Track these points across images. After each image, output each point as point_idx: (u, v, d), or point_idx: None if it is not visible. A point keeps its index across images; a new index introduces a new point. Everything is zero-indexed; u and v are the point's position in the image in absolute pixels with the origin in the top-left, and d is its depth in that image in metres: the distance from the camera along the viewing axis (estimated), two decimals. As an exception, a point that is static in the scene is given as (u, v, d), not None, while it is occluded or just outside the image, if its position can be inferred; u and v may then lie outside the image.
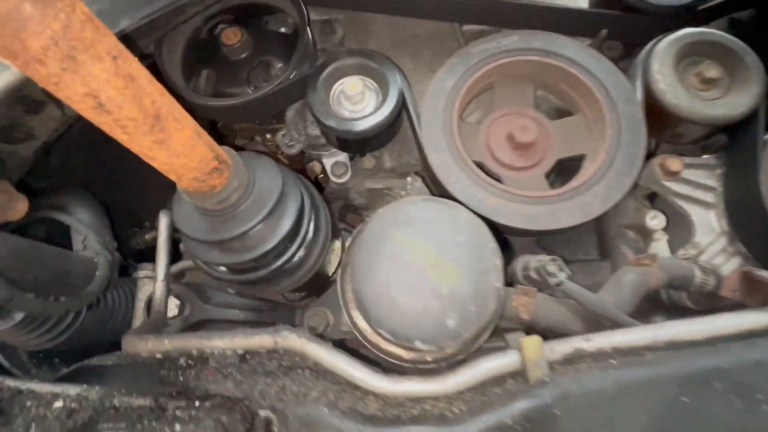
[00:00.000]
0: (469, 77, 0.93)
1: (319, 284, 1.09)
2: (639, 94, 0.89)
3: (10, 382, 0.87)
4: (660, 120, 0.92)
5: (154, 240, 1.45)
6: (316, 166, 1.34)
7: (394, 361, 0.73)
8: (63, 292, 0.81)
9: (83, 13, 0.40)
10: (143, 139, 0.52)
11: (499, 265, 0.53)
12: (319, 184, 1.28)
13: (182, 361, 0.85)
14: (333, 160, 1.10)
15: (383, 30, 1.17)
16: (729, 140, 0.93)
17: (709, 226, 0.94)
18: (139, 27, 0.75)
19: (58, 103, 0.90)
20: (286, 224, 0.80)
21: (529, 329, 0.78)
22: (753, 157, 0.84)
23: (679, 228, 0.97)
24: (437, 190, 0.89)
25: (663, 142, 1.01)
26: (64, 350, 1.15)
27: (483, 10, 1.00)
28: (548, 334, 0.70)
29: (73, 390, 0.87)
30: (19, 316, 0.93)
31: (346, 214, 1.33)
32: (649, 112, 0.91)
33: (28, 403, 0.86)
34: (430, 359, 0.72)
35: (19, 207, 0.51)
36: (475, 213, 0.83)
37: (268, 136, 1.31)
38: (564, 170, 1.02)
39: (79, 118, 1.00)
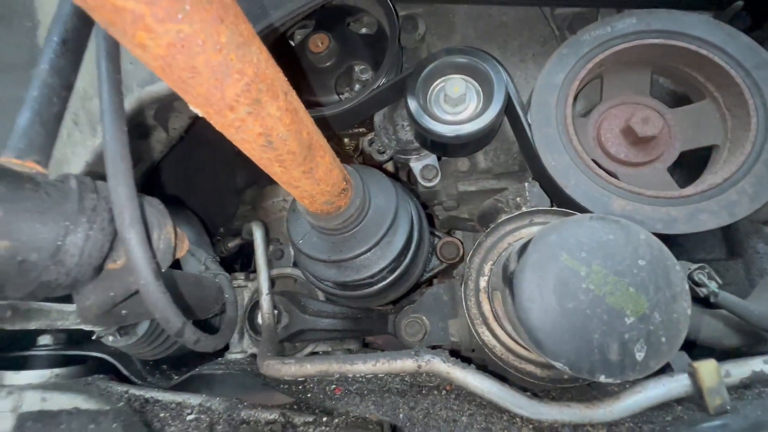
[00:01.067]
0: (582, 68, 0.85)
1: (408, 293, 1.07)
2: (788, 74, 0.78)
3: (135, 391, 0.93)
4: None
5: (237, 247, 1.50)
6: (388, 166, 1.31)
7: (526, 378, 0.70)
8: (210, 309, 0.83)
9: (265, 51, 0.38)
10: (295, 171, 0.51)
11: (687, 288, 0.48)
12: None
13: (301, 386, 0.87)
14: (422, 163, 1.06)
15: (467, 21, 1.10)
16: None
17: None
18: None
19: (165, 126, 0.92)
20: (399, 241, 0.78)
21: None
22: None
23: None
24: (554, 195, 0.84)
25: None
26: (169, 357, 1.21)
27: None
28: (703, 352, 0.64)
29: (194, 400, 0.91)
30: (141, 331, 0.99)
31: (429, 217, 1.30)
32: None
33: (162, 414, 0.91)
34: (566, 377, 0.68)
35: (184, 245, 0.52)
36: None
37: (346, 140, 1.29)
38: (685, 164, 0.93)
39: (181, 139, 1.03)
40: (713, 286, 0.68)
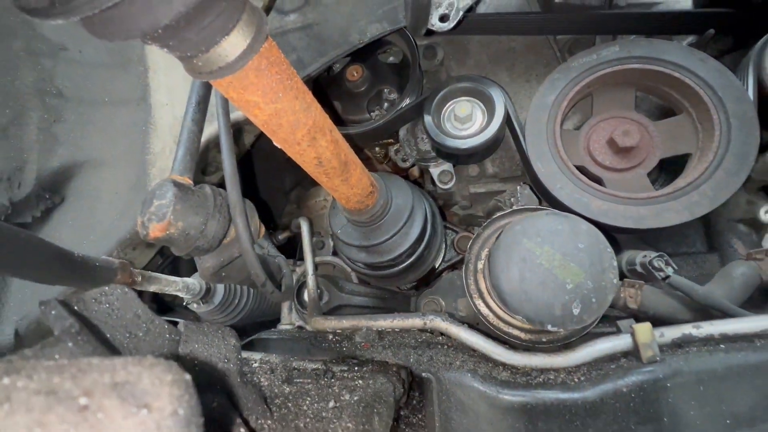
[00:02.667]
0: (570, 90, 1.02)
1: (428, 277, 1.28)
2: (751, 92, 0.91)
3: None
4: (777, 114, 0.93)
5: (285, 239, 1.78)
6: (414, 171, 1.52)
7: (513, 341, 0.89)
8: (276, 284, 1.10)
9: (319, 109, 0.61)
10: (336, 180, 0.74)
11: (614, 264, 0.65)
12: (418, 184, 1.47)
13: (331, 336, 1.11)
14: (440, 169, 1.27)
15: (480, 48, 1.29)
16: None
17: (833, 218, 0.93)
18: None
19: (237, 142, 1.20)
20: (415, 231, 1.00)
21: (637, 318, 0.88)
22: None
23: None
24: (543, 196, 1.01)
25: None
26: (235, 327, 1.50)
27: (581, 23, 1.07)
28: (655, 322, 0.80)
29: (256, 355, 1.18)
30: (217, 300, 1.27)
31: (444, 214, 1.51)
32: (765, 107, 0.92)
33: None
34: (545, 340, 0.87)
35: (262, 230, 0.77)
36: (581, 216, 0.95)
37: (377, 149, 1.52)
38: (667, 169, 1.07)
39: (247, 152, 1.31)
40: (669, 270, 0.84)
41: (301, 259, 1.37)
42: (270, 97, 0.51)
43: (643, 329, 0.71)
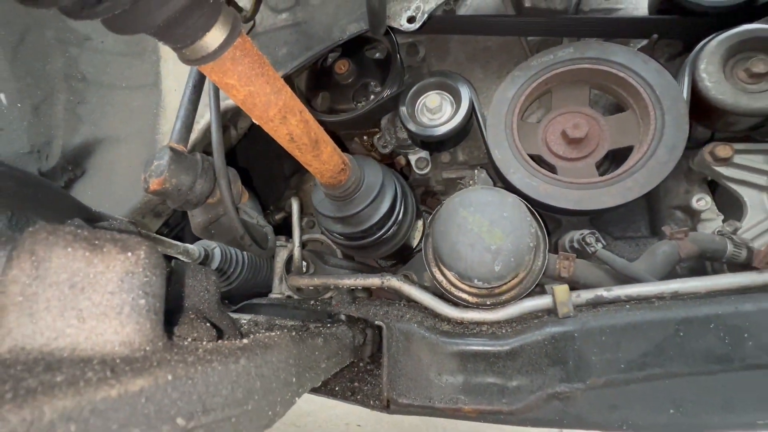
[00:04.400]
0: (528, 86, 1.14)
1: (405, 253, 1.42)
2: (685, 93, 1.01)
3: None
4: (709, 113, 1.03)
5: (282, 219, 1.94)
6: (401, 159, 1.66)
7: (463, 303, 1.02)
8: (262, 246, 1.25)
9: (290, 92, 0.75)
10: (309, 155, 0.88)
11: (532, 231, 0.78)
12: (404, 173, 1.60)
13: (312, 302, 1.26)
14: (417, 156, 1.40)
15: (458, 46, 1.41)
16: (784, 127, 1.01)
17: (762, 206, 1.03)
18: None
19: (235, 126, 1.35)
20: (384, 206, 1.13)
21: (572, 287, 1.00)
22: (798, 143, 0.92)
23: (736, 208, 1.08)
24: (500, 180, 1.14)
25: (717, 131, 1.10)
26: (230, 295, 1.67)
27: (547, 26, 1.18)
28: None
29: (246, 317, 1.34)
30: (215, 264, 1.44)
31: (426, 199, 1.65)
32: (699, 106, 1.03)
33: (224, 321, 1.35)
34: (489, 303, 1.00)
35: (245, 195, 0.92)
36: (530, 197, 1.07)
37: (365, 138, 1.66)
38: (617, 159, 1.18)
39: (243, 137, 1.46)
40: (598, 246, 0.96)
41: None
42: (244, 81, 0.65)
43: (561, 290, 0.84)
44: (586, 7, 1.29)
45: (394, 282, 0.98)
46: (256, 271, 1.68)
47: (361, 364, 1.14)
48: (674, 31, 1.11)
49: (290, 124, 0.78)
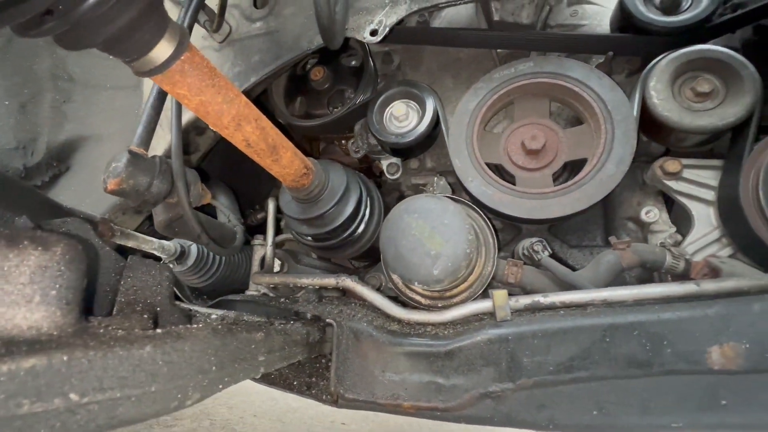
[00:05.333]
0: (490, 98, 1.19)
1: (375, 255, 1.47)
2: (635, 109, 1.05)
3: (184, 305, 1.42)
4: (659, 129, 1.07)
5: (264, 219, 1.99)
6: (381, 164, 1.70)
7: (416, 305, 1.07)
8: (225, 245, 1.30)
9: (244, 101, 0.80)
10: (267, 159, 0.93)
11: (469, 238, 0.82)
12: (378, 177, 1.65)
13: (283, 300, 1.31)
14: (388, 161, 1.45)
15: (431, 56, 1.46)
16: (730, 144, 1.05)
17: (708, 220, 1.07)
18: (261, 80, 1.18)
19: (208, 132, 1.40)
20: (349, 209, 1.18)
21: (520, 292, 1.05)
22: (738, 161, 0.96)
23: (685, 221, 1.12)
24: (460, 187, 1.18)
25: (669, 147, 1.14)
26: (209, 291, 1.72)
27: (514, 40, 1.22)
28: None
29: (218, 312, 1.39)
30: (190, 261, 1.49)
31: (401, 203, 1.69)
32: (650, 122, 1.07)
33: (197, 316, 1.40)
34: (440, 305, 1.04)
35: (207, 197, 0.97)
36: (486, 205, 1.12)
37: (342, 141, 1.71)
38: (575, 171, 1.22)
39: (222, 138, 1.51)
40: (544, 254, 1.00)
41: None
42: (194, 92, 0.70)
43: (500, 295, 0.88)
44: (553, 21, 1.34)
45: (348, 282, 1.03)
46: (235, 269, 1.73)
47: (323, 361, 1.19)
48: (630, 49, 1.15)
49: (245, 131, 0.83)
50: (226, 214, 1.35)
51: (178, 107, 0.87)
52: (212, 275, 1.60)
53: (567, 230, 1.27)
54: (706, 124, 0.99)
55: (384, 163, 1.47)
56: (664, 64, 1.04)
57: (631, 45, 1.14)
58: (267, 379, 1.14)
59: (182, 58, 0.65)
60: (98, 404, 0.34)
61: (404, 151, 1.35)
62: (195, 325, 0.61)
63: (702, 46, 1.02)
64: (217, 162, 1.79)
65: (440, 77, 1.44)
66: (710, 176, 1.08)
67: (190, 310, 1.44)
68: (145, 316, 0.59)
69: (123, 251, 1.00)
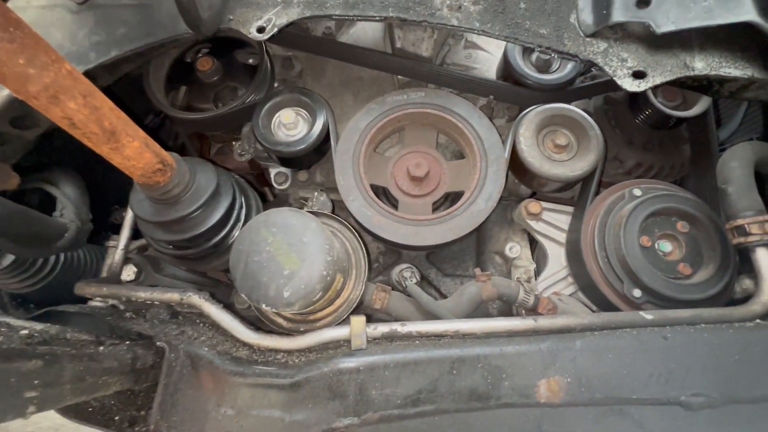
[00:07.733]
0: (380, 120, 1.18)
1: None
2: (507, 151, 1.14)
3: None
4: (524, 173, 1.17)
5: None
6: (269, 172, 1.60)
7: (277, 329, 0.97)
8: (37, 244, 1.06)
9: (66, 70, 0.66)
10: (103, 147, 0.78)
11: (328, 260, 0.77)
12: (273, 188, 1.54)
13: (128, 314, 1.10)
14: (276, 170, 1.35)
15: (335, 70, 1.43)
16: (579, 194, 1.18)
17: (559, 260, 1.18)
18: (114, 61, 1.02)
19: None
20: (216, 215, 1.05)
21: (389, 318, 1.02)
22: (582, 209, 1.08)
23: (544, 258, 1.22)
24: (341, 205, 1.14)
25: (533, 190, 1.26)
26: (40, 298, 1.40)
27: (411, 69, 1.25)
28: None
29: (38, 326, 1.12)
30: (6, 261, 1.19)
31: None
32: (519, 166, 1.16)
33: (2, 329, 1.11)
34: (302, 329, 0.96)
35: (12, 182, 0.76)
36: (364, 226, 1.09)
37: (234, 143, 1.57)
38: (455, 202, 1.27)
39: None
40: (412, 281, 0.99)
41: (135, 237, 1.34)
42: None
43: (358, 321, 0.84)
44: (449, 60, 1.41)
45: (194, 299, 0.90)
46: (79, 273, 1.44)
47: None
48: (510, 97, 1.26)
49: (67, 107, 0.68)
50: (63, 205, 1.11)
51: None
52: (40, 280, 1.30)
53: (443, 259, 1.30)
54: (560, 173, 1.10)
55: (272, 172, 1.37)
56: (533, 114, 1.15)
57: (509, 93, 1.24)
58: (78, 413, 0.93)
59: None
60: None
61: (290, 161, 1.28)
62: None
63: (563, 105, 1.15)
64: (76, 146, 1.51)
65: (341, 93, 1.42)
66: (563, 220, 1.20)
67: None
68: None
69: None
